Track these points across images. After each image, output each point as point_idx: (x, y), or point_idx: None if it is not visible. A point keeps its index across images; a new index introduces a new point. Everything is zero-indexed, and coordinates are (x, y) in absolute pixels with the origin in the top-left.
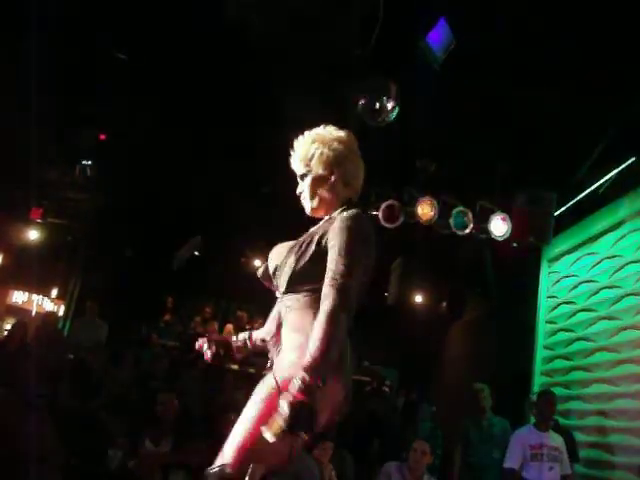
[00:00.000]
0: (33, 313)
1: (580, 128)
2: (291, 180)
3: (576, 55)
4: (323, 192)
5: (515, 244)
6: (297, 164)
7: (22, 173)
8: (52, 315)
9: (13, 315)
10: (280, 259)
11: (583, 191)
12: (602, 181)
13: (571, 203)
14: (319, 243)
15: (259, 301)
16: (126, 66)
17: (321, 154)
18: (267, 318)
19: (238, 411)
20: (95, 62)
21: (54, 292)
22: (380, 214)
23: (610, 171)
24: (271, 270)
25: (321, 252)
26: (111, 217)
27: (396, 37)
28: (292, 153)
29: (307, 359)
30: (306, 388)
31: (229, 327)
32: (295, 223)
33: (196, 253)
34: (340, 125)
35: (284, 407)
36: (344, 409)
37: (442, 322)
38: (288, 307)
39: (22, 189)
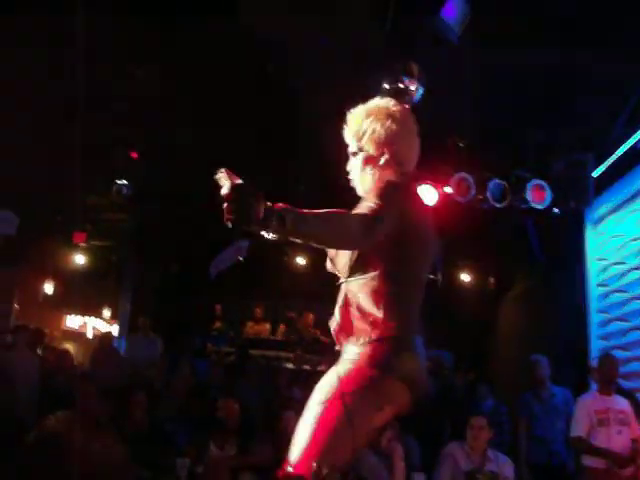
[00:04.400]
0: (90, 336)
1: (609, 85)
2: (326, 178)
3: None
4: (373, 173)
5: (556, 210)
6: (349, 139)
7: (62, 198)
8: (108, 335)
9: (69, 340)
10: None
11: (619, 148)
12: (638, 135)
13: (609, 162)
14: None
15: (305, 297)
16: (148, 81)
17: (373, 131)
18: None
19: (295, 408)
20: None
21: (106, 313)
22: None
23: None
24: (329, 259)
25: None
26: (152, 233)
27: (412, 16)
28: (345, 126)
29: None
30: (269, 208)
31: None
32: None
33: (240, 258)
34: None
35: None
36: (423, 387)
37: (492, 297)
38: (350, 291)
39: (63, 215)
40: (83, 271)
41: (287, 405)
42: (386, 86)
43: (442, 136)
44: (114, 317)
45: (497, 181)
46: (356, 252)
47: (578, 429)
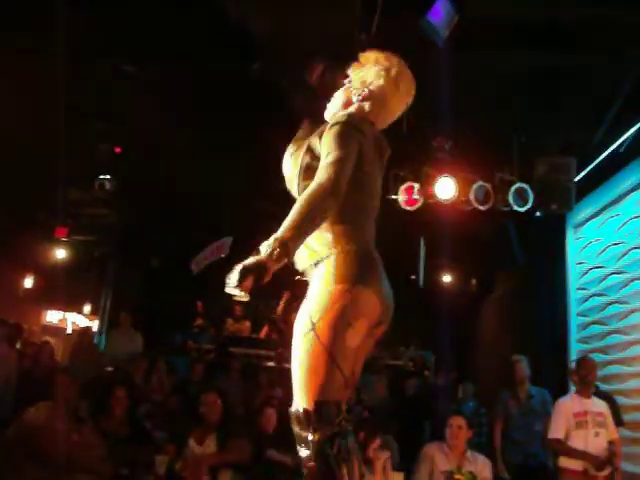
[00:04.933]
0: (69, 331)
1: (593, 89)
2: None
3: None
4: (345, 101)
5: (538, 213)
6: (350, 72)
7: (44, 193)
8: (87, 331)
9: (49, 335)
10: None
11: (602, 153)
12: (620, 141)
13: (591, 167)
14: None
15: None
16: (137, 78)
17: (366, 76)
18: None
19: (276, 407)
20: (106, 76)
21: (87, 308)
22: (399, 197)
23: (627, 130)
24: (287, 181)
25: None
26: (135, 229)
27: (398, 17)
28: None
29: (278, 232)
30: (270, 252)
31: None
32: None
33: (222, 255)
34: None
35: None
36: (384, 319)
37: (474, 299)
38: None
39: (45, 209)
40: (64, 266)
41: (268, 403)
42: None
43: (427, 138)
44: (94, 313)
45: (481, 183)
46: (304, 174)
47: (556, 431)
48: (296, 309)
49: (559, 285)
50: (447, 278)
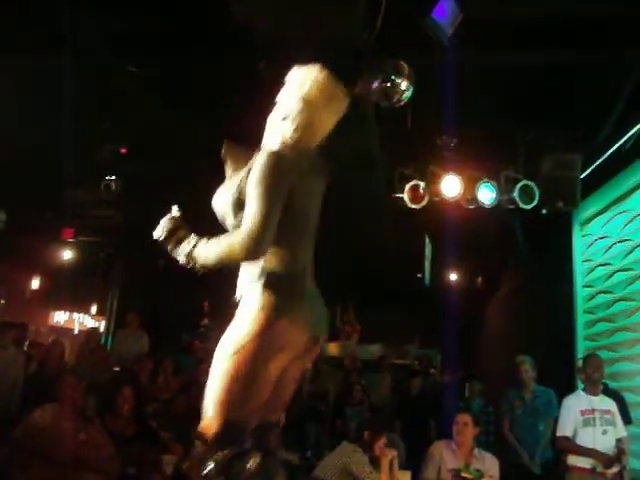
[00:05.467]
0: (76, 331)
1: (599, 86)
2: None
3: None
4: (277, 132)
5: (544, 211)
6: (279, 95)
7: (50, 195)
8: (94, 331)
9: (56, 335)
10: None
11: (608, 150)
12: (626, 137)
13: (597, 163)
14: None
15: None
16: (141, 78)
17: (289, 104)
18: None
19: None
20: (109, 76)
21: (93, 309)
22: (405, 196)
23: (634, 126)
24: (219, 212)
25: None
26: (141, 230)
27: (402, 16)
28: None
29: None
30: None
31: None
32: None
33: None
34: (356, 113)
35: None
36: (312, 347)
37: (480, 297)
38: None
39: (51, 211)
40: (71, 267)
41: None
42: (375, 85)
43: (432, 136)
44: (101, 313)
45: (486, 181)
46: (234, 210)
47: (563, 429)
48: None
49: (566, 283)
50: (453, 276)
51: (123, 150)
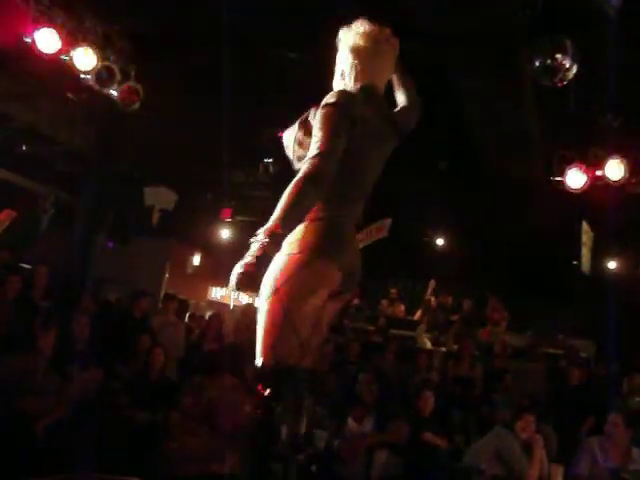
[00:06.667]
0: (231, 307)
1: None
2: (468, 156)
3: None
4: (340, 82)
5: None
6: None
7: (212, 177)
8: (250, 307)
9: (213, 309)
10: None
11: None
12: None
13: None
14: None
15: (444, 279)
16: (296, 64)
17: (341, 59)
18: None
19: (433, 390)
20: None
21: None
22: (566, 179)
23: None
24: (285, 145)
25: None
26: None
27: None
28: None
29: (268, 224)
30: (260, 250)
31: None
32: (471, 197)
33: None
34: (516, 90)
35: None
36: (347, 288)
37: None
38: None
39: (213, 192)
40: (228, 245)
41: (426, 385)
42: (538, 62)
43: (594, 116)
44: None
45: None
46: (297, 146)
47: None
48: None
49: None
50: (612, 264)
51: (281, 134)
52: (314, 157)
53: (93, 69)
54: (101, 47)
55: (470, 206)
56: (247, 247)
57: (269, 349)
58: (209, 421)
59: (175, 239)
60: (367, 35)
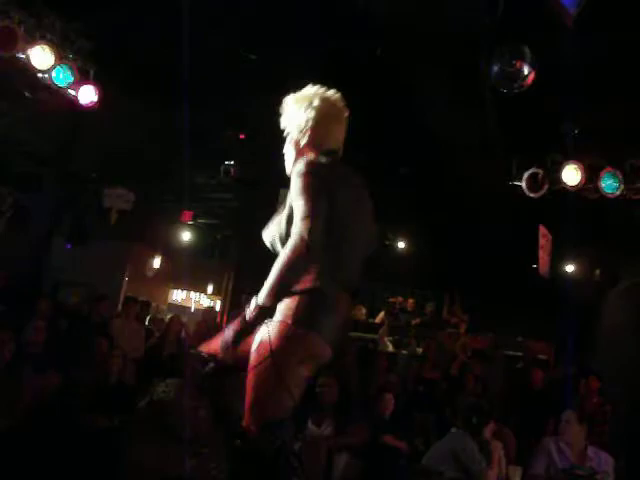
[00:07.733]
0: (192, 309)
1: None
2: (431, 160)
3: None
4: (296, 154)
5: None
6: (283, 124)
7: (172, 179)
8: (211, 310)
9: (174, 313)
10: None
11: None
12: None
13: None
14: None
15: (405, 284)
16: (258, 65)
17: (295, 118)
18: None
19: (393, 392)
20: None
21: (209, 288)
22: (524, 184)
23: None
24: (269, 241)
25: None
26: (256, 213)
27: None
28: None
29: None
30: (253, 316)
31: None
32: (436, 204)
33: None
34: (474, 96)
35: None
36: (340, 341)
37: (597, 291)
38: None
39: (173, 195)
40: (189, 248)
41: (386, 388)
42: (497, 69)
43: (553, 122)
44: (217, 293)
45: (611, 170)
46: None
47: None
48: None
49: None
50: (569, 268)
51: (242, 136)
52: (299, 226)
53: (51, 67)
54: (59, 45)
55: (430, 210)
56: (208, 250)
57: (268, 410)
58: (165, 426)
59: (135, 241)
60: (332, 101)
